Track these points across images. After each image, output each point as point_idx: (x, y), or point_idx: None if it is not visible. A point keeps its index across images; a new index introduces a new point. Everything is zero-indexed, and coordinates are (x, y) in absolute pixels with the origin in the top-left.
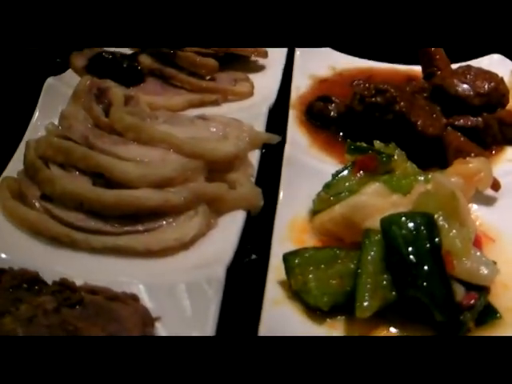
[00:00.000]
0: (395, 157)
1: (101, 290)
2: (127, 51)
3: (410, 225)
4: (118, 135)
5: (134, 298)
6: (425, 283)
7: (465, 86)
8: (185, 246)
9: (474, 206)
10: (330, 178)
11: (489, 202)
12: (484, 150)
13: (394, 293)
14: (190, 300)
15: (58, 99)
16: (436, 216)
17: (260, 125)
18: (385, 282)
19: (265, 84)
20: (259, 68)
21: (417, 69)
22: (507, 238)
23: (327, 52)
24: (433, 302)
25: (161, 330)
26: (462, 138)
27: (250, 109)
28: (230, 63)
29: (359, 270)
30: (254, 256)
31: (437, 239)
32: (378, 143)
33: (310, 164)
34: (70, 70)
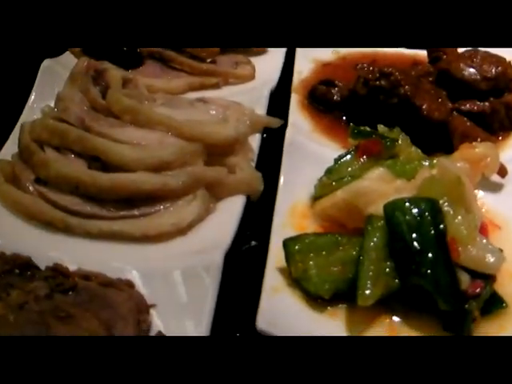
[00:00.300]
0: (399, 141)
1: (95, 275)
2: None
3: (414, 210)
4: (114, 118)
5: (129, 285)
6: (429, 271)
7: (471, 70)
8: (182, 231)
9: (480, 192)
10: (332, 162)
11: (495, 188)
12: (491, 136)
13: (397, 280)
14: (187, 287)
15: (54, 81)
16: (441, 202)
17: (261, 108)
18: (388, 270)
19: (266, 67)
20: (261, 51)
21: (422, 53)
22: None
23: None
24: (437, 291)
25: (156, 317)
26: (468, 123)
27: (251, 92)
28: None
29: (361, 257)
30: (253, 242)
31: (442, 226)
32: (381, 127)
33: (311, 149)
34: (67, 51)
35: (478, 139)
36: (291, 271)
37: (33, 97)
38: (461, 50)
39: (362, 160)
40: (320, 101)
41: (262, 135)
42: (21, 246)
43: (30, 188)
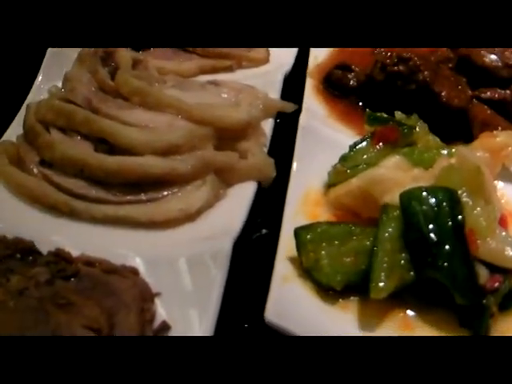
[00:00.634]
0: (417, 129)
1: (98, 261)
2: None
3: (432, 200)
4: (123, 99)
5: (134, 272)
6: (446, 264)
7: (492, 56)
8: (190, 217)
9: (499, 183)
10: (347, 149)
11: None
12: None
13: (411, 273)
14: (193, 275)
15: (62, 62)
16: (459, 192)
17: (275, 92)
18: (402, 262)
19: (281, 50)
20: None
21: None
22: None
23: None
24: (454, 285)
25: (160, 306)
26: (488, 111)
27: (264, 76)
28: None
29: (375, 248)
30: (263, 230)
31: (460, 217)
32: (399, 114)
33: (326, 134)
34: None
35: (499, 128)
36: (302, 261)
37: (40, 77)
38: None
39: (378, 147)
40: (336, 86)
41: (276, 120)
42: (23, 230)
43: (35, 170)
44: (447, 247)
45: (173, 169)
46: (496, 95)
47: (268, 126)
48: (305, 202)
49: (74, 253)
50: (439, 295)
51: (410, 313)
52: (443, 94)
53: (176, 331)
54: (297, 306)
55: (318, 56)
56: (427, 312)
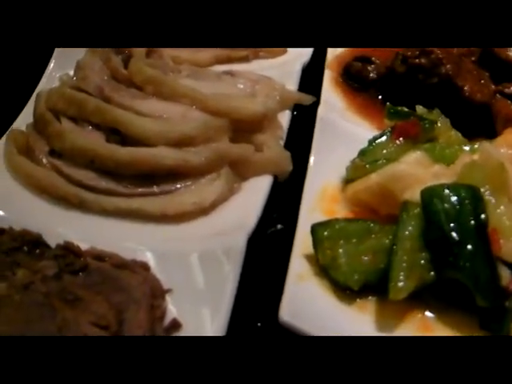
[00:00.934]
0: (438, 124)
1: (108, 256)
2: None
3: (454, 198)
4: (136, 89)
5: (144, 267)
6: (467, 264)
7: None
8: (204, 211)
9: None
10: (366, 143)
11: None
12: None
13: (432, 273)
14: (206, 271)
15: (75, 49)
16: (482, 190)
17: (292, 84)
18: (422, 261)
19: None
20: None
21: None
22: None
23: None
24: (475, 286)
25: (171, 303)
26: None
27: (282, 66)
28: None
29: (395, 247)
30: (279, 226)
31: (483, 215)
32: (420, 108)
33: (344, 128)
34: None
35: None
36: (319, 258)
37: (52, 65)
38: None
39: (398, 142)
40: (355, 78)
41: (293, 112)
42: (31, 222)
43: (44, 160)
44: (469, 247)
45: (186, 161)
46: None
47: (285, 118)
48: (322, 197)
49: (83, 246)
50: (460, 296)
51: (429, 314)
52: (466, 88)
53: (187, 329)
54: (312, 306)
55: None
56: (447, 313)
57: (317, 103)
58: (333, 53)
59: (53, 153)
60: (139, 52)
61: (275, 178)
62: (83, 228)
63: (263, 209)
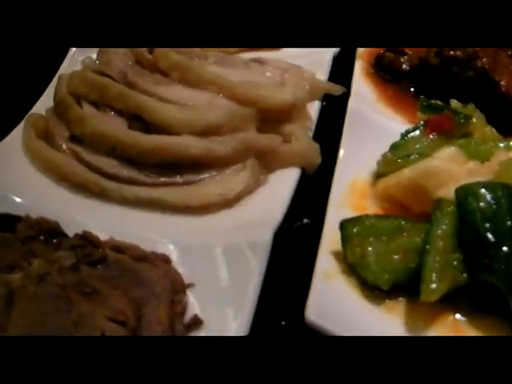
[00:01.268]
0: (473, 119)
1: (128, 247)
2: None
3: (490, 197)
4: (161, 75)
5: (165, 260)
6: (502, 266)
7: None
8: (228, 203)
9: None
10: (397, 137)
11: None
12: None
13: (465, 275)
14: (230, 266)
15: None
16: None
17: (322, 73)
18: (455, 262)
19: None
20: None
21: None
22: None
23: None
24: (510, 290)
25: (192, 298)
26: None
27: (312, 55)
28: None
29: (427, 246)
30: (305, 220)
31: None
32: (454, 102)
33: (375, 120)
34: None
35: None
36: (347, 256)
37: (74, 48)
38: None
39: (431, 137)
40: (387, 69)
41: (322, 103)
42: (48, 210)
43: (64, 146)
44: (505, 249)
45: (211, 150)
46: None
47: (314, 108)
48: (351, 192)
49: (102, 237)
50: (493, 300)
51: (460, 317)
52: (502, 82)
53: (208, 326)
54: (339, 305)
55: None
56: (479, 317)
57: (347, 94)
58: None
59: (73, 138)
60: None
61: (303, 170)
62: (103, 217)
63: (290, 202)
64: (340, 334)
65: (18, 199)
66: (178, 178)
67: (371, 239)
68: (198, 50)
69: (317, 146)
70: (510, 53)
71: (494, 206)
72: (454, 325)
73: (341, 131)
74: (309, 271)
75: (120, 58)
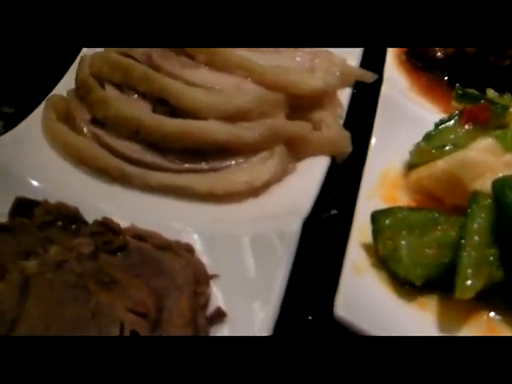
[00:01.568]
0: (510, 110)
1: (150, 235)
2: None
3: None
4: (187, 57)
5: (189, 249)
6: None
7: None
8: (255, 191)
9: None
10: (431, 127)
11: None
12: None
13: (501, 271)
14: (256, 257)
15: None
16: None
17: (354, 59)
18: (491, 258)
19: None
20: None
21: None
22: None
23: None
24: None
25: (216, 290)
26: None
27: None
28: None
29: (462, 241)
30: (334, 211)
31: None
32: (491, 92)
33: (409, 109)
34: None
35: None
36: (378, 249)
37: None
38: None
39: (466, 127)
40: (420, 57)
41: (353, 90)
42: (67, 195)
43: (85, 129)
44: None
45: (238, 136)
46: None
47: (345, 95)
48: (382, 182)
49: (123, 224)
50: None
51: (495, 316)
52: None
53: (232, 320)
54: (369, 300)
55: None
56: None
57: (379, 81)
58: None
59: (95, 121)
60: None
61: (333, 159)
62: (124, 204)
63: (319, 192)
64: (370, 330)
65: (35, 183)
66: (204, 165)
67: (404, 232)
68: None
69: (347, 134)
70: None
71: None
72: (489, 323)
73: (372, 119)
74: (337, 264)
75: None
